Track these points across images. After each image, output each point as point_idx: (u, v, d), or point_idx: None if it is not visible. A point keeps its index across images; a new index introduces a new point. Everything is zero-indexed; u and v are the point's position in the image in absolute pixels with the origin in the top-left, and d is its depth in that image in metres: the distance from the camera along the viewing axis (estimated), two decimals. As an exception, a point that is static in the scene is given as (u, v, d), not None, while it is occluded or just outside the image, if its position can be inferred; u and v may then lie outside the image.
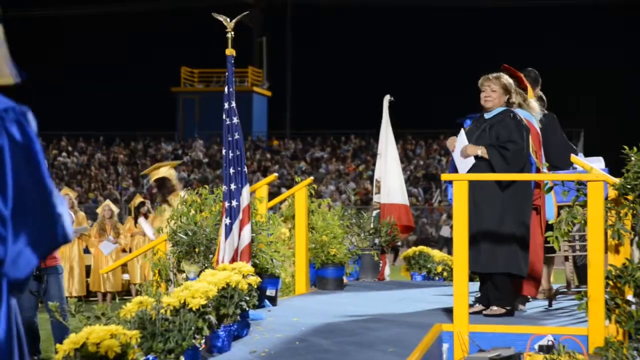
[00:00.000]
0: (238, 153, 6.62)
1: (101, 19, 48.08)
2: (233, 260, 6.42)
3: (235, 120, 6.65)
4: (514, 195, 6.67)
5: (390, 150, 10.70)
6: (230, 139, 6.63)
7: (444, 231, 28.35)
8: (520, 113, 7.08)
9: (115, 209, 16.76)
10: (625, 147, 6.29)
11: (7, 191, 2.25)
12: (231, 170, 6.58)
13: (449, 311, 6.57)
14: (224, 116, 6.68)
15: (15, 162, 2.28)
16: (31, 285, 8.92)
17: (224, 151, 6.68)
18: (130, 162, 39.23)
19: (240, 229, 6.54)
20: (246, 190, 6.62)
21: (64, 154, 39.04)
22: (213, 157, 39.37)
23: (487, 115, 6.89)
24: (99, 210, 16.06)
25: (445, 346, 6.18)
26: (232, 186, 6.55)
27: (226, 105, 6.67)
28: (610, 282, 6.07)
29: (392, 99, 10.63)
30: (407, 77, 43.69)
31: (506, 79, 6.91)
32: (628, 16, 41.97)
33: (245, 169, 6.68)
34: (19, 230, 2.29)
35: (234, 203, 6.53)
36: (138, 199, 16.76)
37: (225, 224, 6.49)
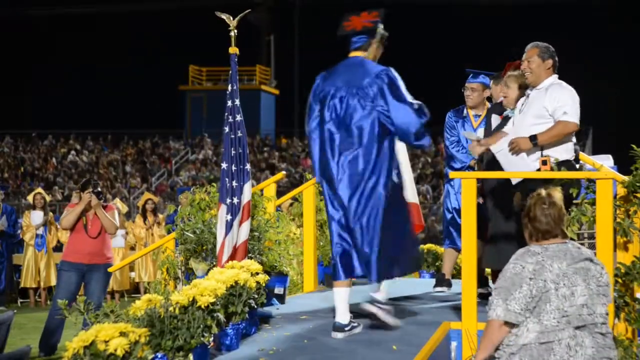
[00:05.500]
0: (240, 151, 6.61)
1: (110, 17, 48.16)
2: (232, 257, 6.42)
3: (239, 117, 6.63)
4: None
5: (399, 148, 10.65)
6: (232, 136, 6.61)
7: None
8: None
9: (124, 207, 16.80)
10: (633, 146, 6.27)
11: (389, 103, 5.85)
12: (233, 168, 6.57)
13: (457, 309, 6.57)
14: (226, 114, 6.68)
15: (390, 89, 5.89)
16: (73, 280, 9.11)
17: (223, 148, 6.67)
18: (138, 161, 39.26)
19: (239, 226, 6.54)
20: (247, 187, 6.60)
21: (72, 152, 39.08)
22: (221, 155, 39.29)
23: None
24: (106, 210, 16.04)
25: (453, 344, 6.17)
26: (234, 183, 6.54)
27: (229, 103, 6.66)
28: (619, 280, 6.05)
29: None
30: (415, 75, 43.59)
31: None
32: (630, 15, 41.88)
33: (248, 167, 6.64)
34: (397, 120, 5.87)
35: (235, 200, 6.52)
36: (146, 197, 16.78)
37: (226, 221, 6.49)
